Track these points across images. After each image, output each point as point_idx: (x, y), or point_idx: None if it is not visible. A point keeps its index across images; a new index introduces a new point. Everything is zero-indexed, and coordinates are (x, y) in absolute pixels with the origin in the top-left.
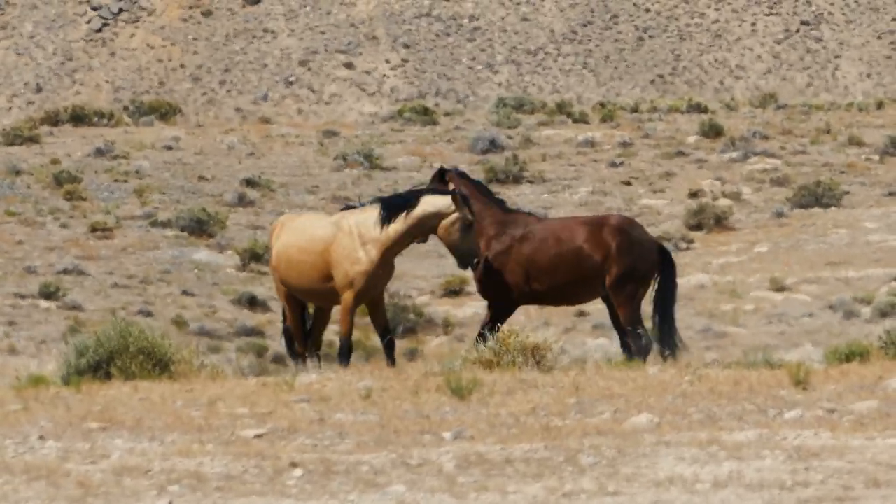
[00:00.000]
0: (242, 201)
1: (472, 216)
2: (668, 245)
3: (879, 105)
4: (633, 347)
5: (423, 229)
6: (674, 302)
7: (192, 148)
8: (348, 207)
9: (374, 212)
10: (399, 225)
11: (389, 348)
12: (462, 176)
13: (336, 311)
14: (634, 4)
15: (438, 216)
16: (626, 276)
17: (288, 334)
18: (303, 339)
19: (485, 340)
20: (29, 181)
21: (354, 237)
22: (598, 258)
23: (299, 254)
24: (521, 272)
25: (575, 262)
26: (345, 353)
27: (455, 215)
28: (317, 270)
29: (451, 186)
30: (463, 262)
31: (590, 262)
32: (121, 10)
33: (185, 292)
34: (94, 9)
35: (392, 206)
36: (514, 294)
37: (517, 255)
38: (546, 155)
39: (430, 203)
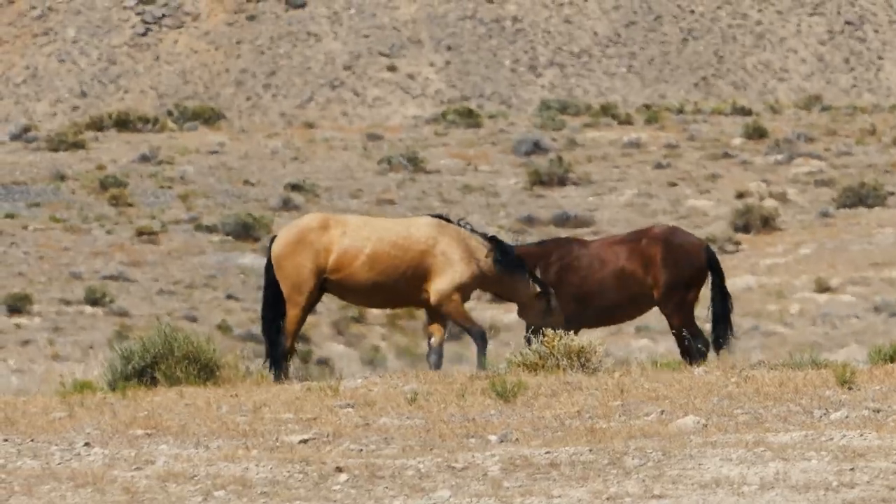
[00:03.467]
0: (287, 206)
1: (554, 302)
2: (714, 247)
3: None
4: (690, 354)
5: (503, 293)
6: (725, 301)
7: (236, 153)
8: (441, 217)
9: (480, 240)
10: (497, 274)
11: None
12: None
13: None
14: (678, 6)
15: (525, 299)
16: (671, 286)
17: (271, 339)
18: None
19: (529, 343)
20: (74, 187)
21: (460, 248)
22: (641, 273)
23: (393, 249)
24: (574, 302)
25: (622, 282)
26: (481, 341)
27: (539, 304)
28: (412, 269)
29: None
30: (539, 330)
31: (635, 279)
32: (164, 16)
33: (230, 297)
34: (139, 14)
35: (508, 254)
36: (573, 324)
37: (567, 286)
38: (591, 157)
39: (529, 285)
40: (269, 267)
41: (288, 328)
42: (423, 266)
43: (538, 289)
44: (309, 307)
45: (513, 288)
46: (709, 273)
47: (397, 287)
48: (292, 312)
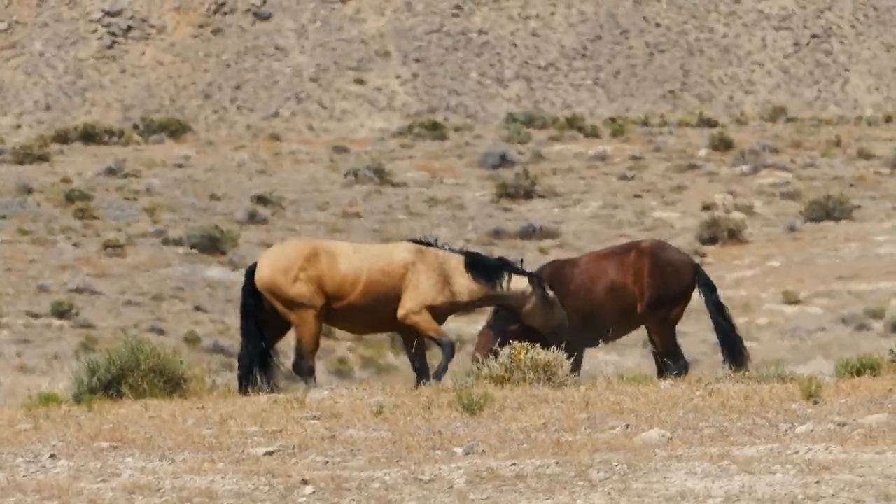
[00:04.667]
0: (253, 218)
1: (550, 294)
2: None
3: (888, 118)
4: (670, 371)
5: (497, 302)
6: (721, 315)
7: (202, 165)
8: (418, 241)
9: (457, 259)
10: (481, 289)
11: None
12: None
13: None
14: (644, 19)
15: (518, 298)
16: (657, 301)
17: (249, 362)
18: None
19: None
20: (40, 200)
21: (437, 272)
22: (631, 287)
23: (382, 276)
24: (577, 320)
25: (613, 296)
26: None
27: (533, 299)
28: (395, 294)
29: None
30: (557, 339)
31: (624, 292)
32: (130, 28)
33: (197, 309)
34: (105, 27)
35: (481, 267)
36: (580, 345)
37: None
38: (557, 169)
39: (516, 282)
40: (249, 293)
41: (305, 349)
42: (402, 289)
43: (530, 287)
44: (320, 325)
45: (503, 297)
46: (697, 290)
47: (385, 312)
48: (307, 334)
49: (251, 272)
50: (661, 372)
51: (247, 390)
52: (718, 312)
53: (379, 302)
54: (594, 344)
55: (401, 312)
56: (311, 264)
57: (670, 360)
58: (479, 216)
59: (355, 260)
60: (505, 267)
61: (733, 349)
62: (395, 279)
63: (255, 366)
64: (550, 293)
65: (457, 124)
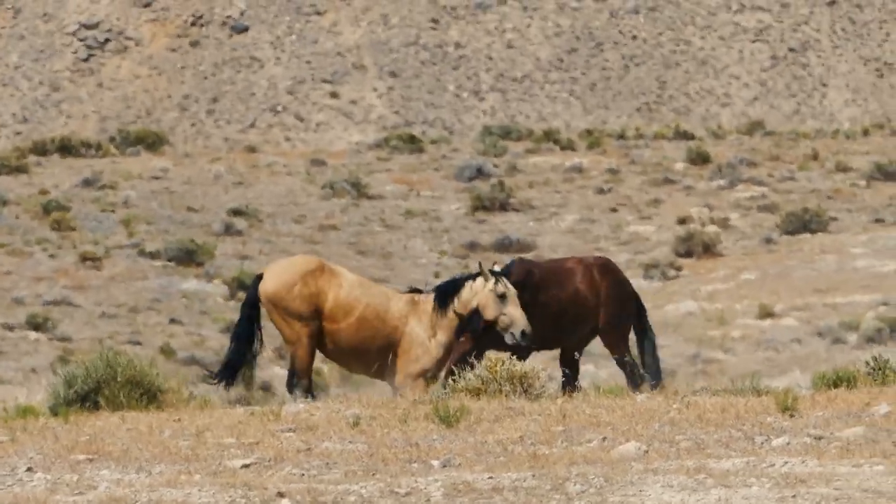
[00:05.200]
0: (230, 231)
1: (507, 287)
2: (656, 272)
3: (865, 132)
4: (636, 381)
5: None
6: (651, 334)
7: (179, 178)
8: (413, 290)
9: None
10: (450, 311)
11: None
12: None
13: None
14: (620, 32)
15: (479, 297)
16: (617, 315)
17: (234, 363)
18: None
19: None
20: (17, 211)
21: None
22: (593, 298)
23: (376, 319)
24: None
25: (577, 303)
26: None
27: (488, 293)
28: (385, 342)
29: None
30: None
31: (588, 302)
32: (107, 41)
33: (173, 321)
34: (81, 39)
35: (441, 292)
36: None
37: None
38: (533, 182)
39: (472, 286)
40: (250, 305)
41: (300, 368)
42: (393, 342)
43: (485, 285)
44: (315, 345)
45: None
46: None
47: (372, 357)
48: (300, 352)
49: (257, 281)
50: (633, 382)
51: (229, 385)
52: (648, 332)
53: (367, 344)
54: (549, 346)
55: (399, 379)
56: (314, 279)
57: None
58: (454, 229)
59: (356, 290)
60: (452, 284)
61: (656, 371)
62: (387, 329)
63: (238, 368)
64: (506, 289)
65: (433, 137)
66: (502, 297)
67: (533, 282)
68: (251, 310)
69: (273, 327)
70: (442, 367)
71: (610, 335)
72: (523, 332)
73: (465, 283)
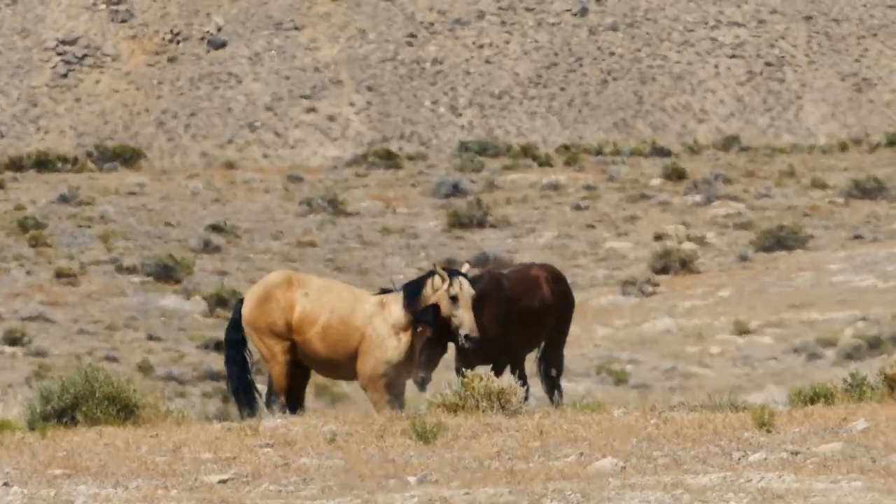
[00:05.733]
0: (207, 247)
1: (462, 289)
2: (633, 289)
3: (843, 147)
4: (559, 392)
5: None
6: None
7: (156, 193)
8: (384, 291)
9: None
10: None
11: None
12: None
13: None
14: (598, 48)
15: (438, 294)
16: (567, 322)
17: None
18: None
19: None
20: None
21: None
22: (555, 305)
23: (341, 325)
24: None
25: (545, 310)
26: None
27: (442, 294)
28: (354, 347)
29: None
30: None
31: (552, 309)
32: (85, 56)
33: (151, 337)
34: (59, 54)
35: (408, 290)
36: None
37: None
38: (510, 199)
39: (432, 283)
40: (235, 329)
41: (277, 387)
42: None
43: (442, 284)
44: (291, 363)
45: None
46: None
47: (343, 363)
48: (276, 370)
49: (239, 305)
50: (553, 391)
51: (252, 414)
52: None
53: (336, 352)
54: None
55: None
56: (282, 292)
57: (557, 381)
58: (431, 245)
59: (323, 297)
60: (416, 283)
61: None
62: (354, 333)
63: (242, 393)
64: (459, 291)
65: (410, 153)
66: (454, 299)
67: (505, 294)
68: (236, 333)
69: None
70: (405, 367)
71: (560, 341)
72: (467, 336)
73: (427, 281)
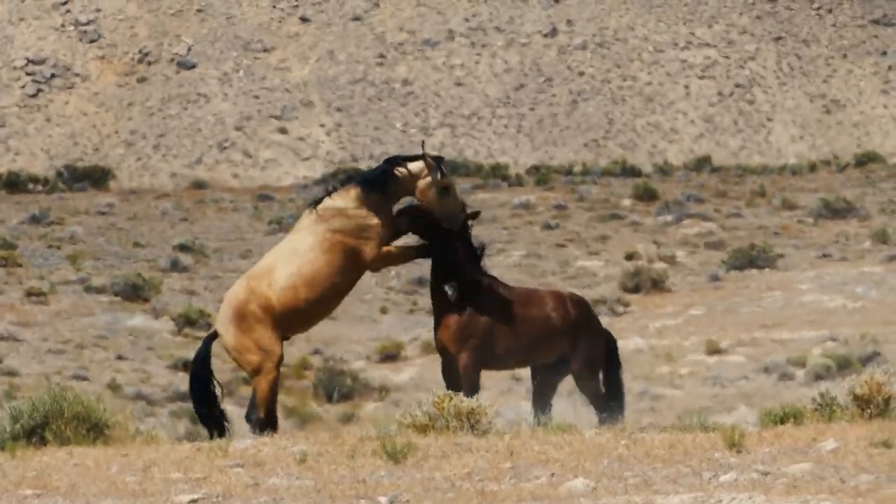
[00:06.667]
0: (176, 267)
1: (446, 177)
2: (604, 308)
3: (812, 168)
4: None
5: (400, 196)
6: None
7: (125, 213)
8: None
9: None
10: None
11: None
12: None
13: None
14: (568, 68)
15: (412, 180)
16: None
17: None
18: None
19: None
20: None
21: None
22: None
23: (315, 273)
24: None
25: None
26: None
27: (429, 179)
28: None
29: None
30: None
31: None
32: (54, 76)
33: (120, 357)
34: (29, 74)
35: (368, 181)
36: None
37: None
38: (480, 218)
39: (402, 169)
40: (201, 360)
41: (265, 400)
42: (349, 245)
43: (425, 168)
44: (278, 375)
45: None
46: None
47: (338, 292)
48: (262, 384)
49: (209, 340)
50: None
51: (221, 434)
52: None
53: (326, 293)
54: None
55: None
56: (253, 293)
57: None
58: (403, 265)
59: (288, 269)
60: (390, 165)
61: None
62: (337, 246)
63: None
64: (446, 180)
65: None
66: (445, 191)
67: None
68: (203, 369)
69: (219, 362)
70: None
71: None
72: (467, 217)
73: (399, 168)
